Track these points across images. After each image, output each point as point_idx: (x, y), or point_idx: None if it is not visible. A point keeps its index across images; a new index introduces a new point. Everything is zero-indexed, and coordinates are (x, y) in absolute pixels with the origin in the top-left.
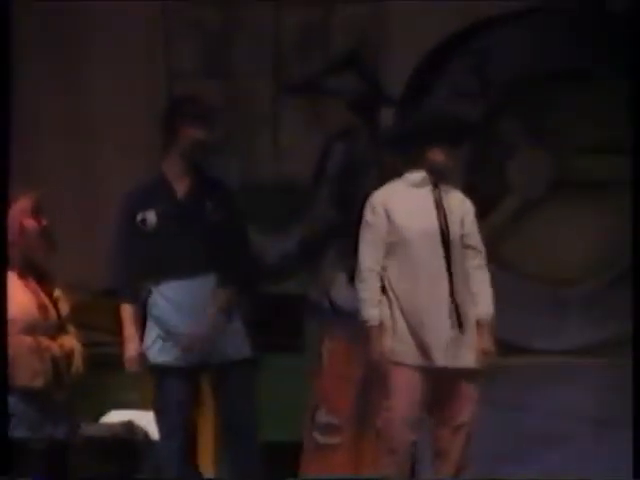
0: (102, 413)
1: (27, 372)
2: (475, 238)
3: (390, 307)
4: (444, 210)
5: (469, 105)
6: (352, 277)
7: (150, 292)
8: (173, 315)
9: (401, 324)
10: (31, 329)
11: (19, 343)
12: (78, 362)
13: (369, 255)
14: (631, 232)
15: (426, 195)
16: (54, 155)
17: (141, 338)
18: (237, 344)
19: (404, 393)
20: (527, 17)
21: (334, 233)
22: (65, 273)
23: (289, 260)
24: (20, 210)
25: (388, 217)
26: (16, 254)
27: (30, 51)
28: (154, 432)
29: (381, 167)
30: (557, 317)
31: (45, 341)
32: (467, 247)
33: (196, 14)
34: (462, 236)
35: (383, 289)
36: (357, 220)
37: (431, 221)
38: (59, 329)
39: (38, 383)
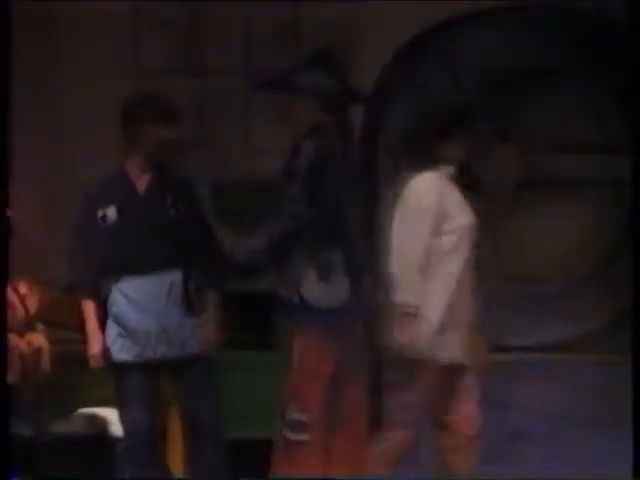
0: (71, 411)
1: None
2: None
3: (426, 296)
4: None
5: (439, 103)
6: (322, 274)
7: (110, 290)
8: (133, 313)
9: (434, 316)
10: None
11: None
12: (46, 360)
13: (415, 241)
14: (631, 232)
15: (453, 186)
16: (20, 150)
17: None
18: (199, 341)
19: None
20: (497, 16)
21: (305, 230)
22: (33, 270)
23: (259, 257)
24: None
25: (439, 205)
26: None
27: None
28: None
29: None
30: (530, 314)
31: (13, 339)
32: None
33: (166, 12)
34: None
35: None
36: (328, 217)
37: (461, 209)
38: (27, 327)
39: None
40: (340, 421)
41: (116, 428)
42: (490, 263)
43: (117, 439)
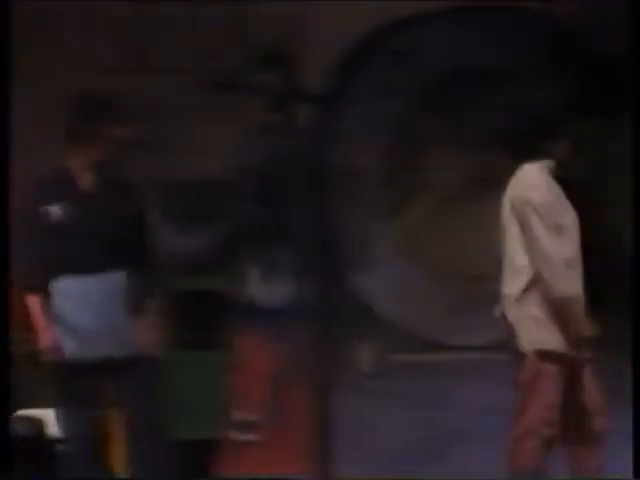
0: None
1: None
2: None
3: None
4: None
5: (388, 102)
6: (267, 273)
7: (52, 288)
8: (74, 312)
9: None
10: None
11: None
12: None
13: (551, 236)
14: (631, 232)
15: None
16: None
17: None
18: (140, 341)
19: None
20: (444, 16)
21: (252, 229)
22: None
23: (207, 256)
24: None
25: (555, 199)
26: None
27: None
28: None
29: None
30: (474, 313)
31: None
32: None
33: (116, 11)
34: None
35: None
36: (276, 217)
37: (571, 209)
38: None
39: None
40: (286, 420)
41: (55, 429)
42: (437, 262)
43: (57, 440)
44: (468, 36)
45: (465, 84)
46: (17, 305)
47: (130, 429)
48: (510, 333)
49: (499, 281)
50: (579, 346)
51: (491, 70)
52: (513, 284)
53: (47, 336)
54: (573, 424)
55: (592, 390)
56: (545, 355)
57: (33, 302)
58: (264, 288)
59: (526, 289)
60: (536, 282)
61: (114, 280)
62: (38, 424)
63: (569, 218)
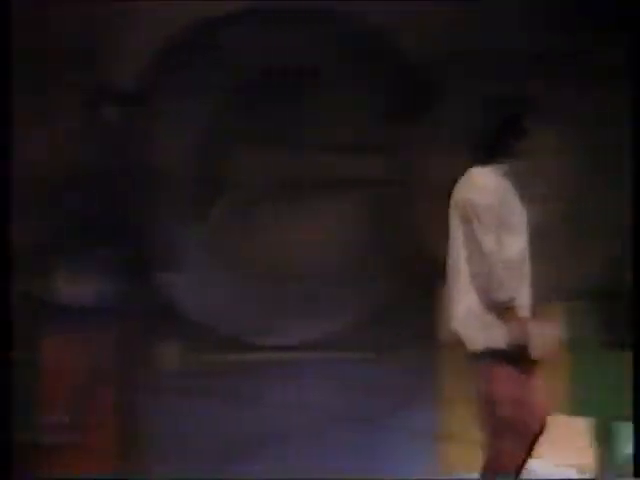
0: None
1: None
2: None
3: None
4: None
5: (199, 102)
6: (74, 272)
7: None
8: None
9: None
10: None
11: None
12: None
13: (491, 238)
14: (631, 232)
15: (507, 182)
16: None
17: None
18: None
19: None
20: (254, 16)
21: (59, 229)
22: None
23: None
24: None
25: (502, 201)
26: None
27: None
28: None
29: None
30: (285, 313)
31: None
32: None
33: None
34: None
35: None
36: (84, 216)
37: (521, 209)
38: None
39: None
40: (94, 421)
41: None
42: (247, 263)
43: None
44: (279, 36)
45: (276, 83)
46: None
47: None
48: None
49: (310, 281)
50: (523, 346)
51: (303, 70)
52: (457, 285)
53: None
54: (525, 421)
55: (541, 388)
56: (493, 355)
57: None
58: (70, 288)
59: (468, 290)
60: (476, 283)
61: None
62: None
63: (518, 219)
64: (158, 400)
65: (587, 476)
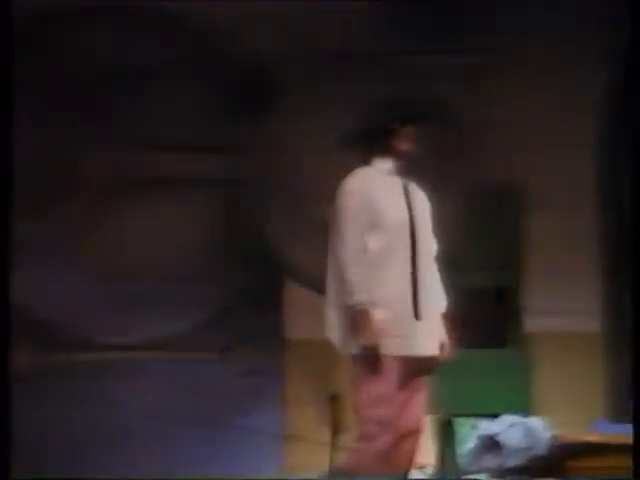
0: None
1: None
2: (431, 230)
3: (374, 295)
4: (411, 198)
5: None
6: None
7: None
8: None
9: (380, 311)
10: None
11: None
12: None
13: (354, 239)
14: (632, 233)
15: (396, 183)
16: None
17: None
18: None
19: (388, 387)
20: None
21: None
22: None
23: None
24: None
25: (368, 203)
26: None
27: None
28: None
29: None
30: (126, 312)
31: None
32: (429, 238)
33: None
34: (427, 227)
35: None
36: None
37: (402, 208)
38: None
39: None
40: None
41: None
42: (93, 262)
43: None
44: (121, 35)
45: (117, 83)
46: None
47: None
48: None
49: (152, 281)
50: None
51: (143, 69)
52: (329, 289)
53: None
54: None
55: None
56: (362, 357)
57: None
58: None
59: (335, 292)
60: (335, 286)
61: None
62: None
63: (391, 219)
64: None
65: (428, 473)
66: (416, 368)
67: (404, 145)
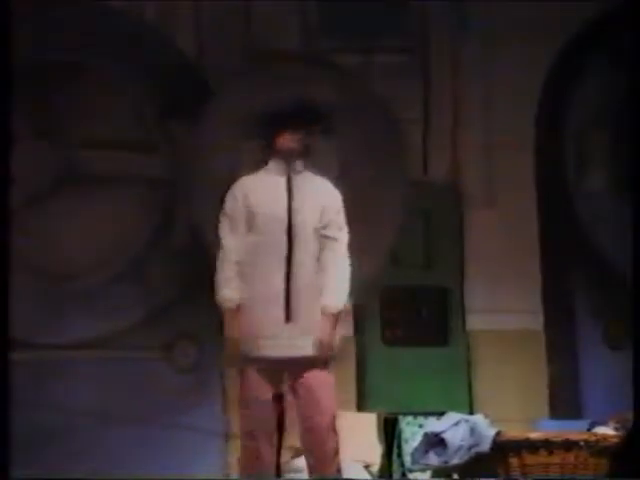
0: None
1: None
2: (336, 229)
3: (242, 294)
4: (293, 197)
5: None
6: None
7: None
8: None
9: (248, 312)
10: None
11: None
12: None
13: (227, 239)
14: (631, 234)
15: (280, 182)
16: None
17: None
18: None
19: (251, 387)
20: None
21: None
22: None
23: None
24: None
25: (245, 204)
26: None
27: None
28: None
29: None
30: (62, 311)
31: None
32: (325, 237)
33: None
34: (321, 226)
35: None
36: None
37: (280, 208)
38: None
39: None
40: None
41: None
42: (25, 260)
43: None
44: (56, 32)
45: (51, 80)
46: None
47: None
48: None
49: (86, 280)
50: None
51: (77, 66)
52: None
53: None
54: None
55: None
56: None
57: None
58: None
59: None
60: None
61: None
62: None
63: (268, 219)
64: None
65: (373, 471)
66: (285, 369)
67: (289, 145)
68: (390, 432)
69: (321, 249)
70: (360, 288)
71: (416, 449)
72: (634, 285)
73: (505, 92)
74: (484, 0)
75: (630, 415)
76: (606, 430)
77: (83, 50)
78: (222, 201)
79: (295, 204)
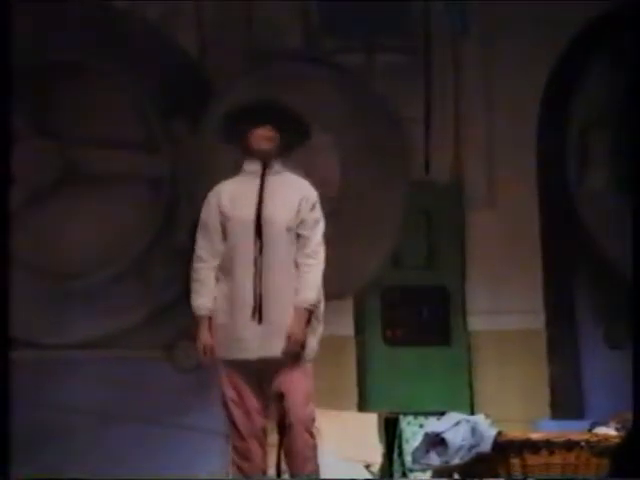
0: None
1: None
2: (308, 227)
3: (217, 299)
4: (263, 199)
5: None
6: None
7: None
8: None
9: (221, 316)
10: None
11: None
12: None
13: (201, 246)
14: (632, 234)
15: (254, 184)
16: None
17: None
18: None
19: (229, 390)
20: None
21: None
22: None
23: None
24: None
25: (219, 209)
26: None
27: None
28: None
29: None
30: (63, 311)
31: None
32: (298, 236)
33: None
34: (296, 225)
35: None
36: None
37: (250, 211)
38: None
39: None
40: None
41: None
42: (26, 259)
43: None
44: (58, 31)
45: (52, 79)
46: None
47: None
48: None
49: (88, 279)
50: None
51: (78, 66)
52: None
53: None
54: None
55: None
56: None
57: None
58: None
59: None
60: None
61: None
62: None
63: (238, 222)
64: None
65: (374, 470)
66: (259, 370)
67: (262, 145)
68: (391, 432)
69: (297, 248)
70: (361, 288)
71: (417, 449)
72: (634, 285)
73: (506, 92)
74: (484, 0)
75: (631, 415)
76: (607, 430)
77: (83, 50)
78: None
79: (266, 205)
